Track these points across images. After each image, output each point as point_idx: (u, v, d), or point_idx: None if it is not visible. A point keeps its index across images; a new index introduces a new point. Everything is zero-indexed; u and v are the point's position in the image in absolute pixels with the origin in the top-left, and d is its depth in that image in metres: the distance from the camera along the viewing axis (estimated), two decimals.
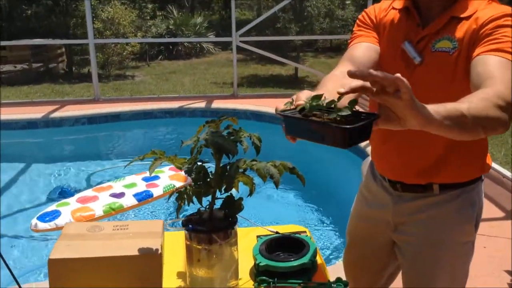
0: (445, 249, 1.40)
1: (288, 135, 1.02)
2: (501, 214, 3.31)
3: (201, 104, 6.27)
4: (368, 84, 0.85)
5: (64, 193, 4.50)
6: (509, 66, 1.16)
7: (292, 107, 1.02)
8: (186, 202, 1.34)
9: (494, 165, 4.08)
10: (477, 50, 1.21)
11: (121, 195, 4.20)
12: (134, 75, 10.81)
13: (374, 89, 0.86)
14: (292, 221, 3.91)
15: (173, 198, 1.41)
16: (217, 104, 6.29)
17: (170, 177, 4.62)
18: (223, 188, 1.28)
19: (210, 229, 1.27)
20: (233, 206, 1.31)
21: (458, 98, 1.25)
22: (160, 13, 13.71)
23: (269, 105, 6.04)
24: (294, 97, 1.04)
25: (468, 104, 1.00)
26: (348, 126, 0.88)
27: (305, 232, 1.67)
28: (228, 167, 1.26)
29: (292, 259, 1.37)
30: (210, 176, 1.29)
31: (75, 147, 5.90)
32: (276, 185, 1.21)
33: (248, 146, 1.27)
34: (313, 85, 9.36)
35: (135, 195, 4.18)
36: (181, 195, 1.33)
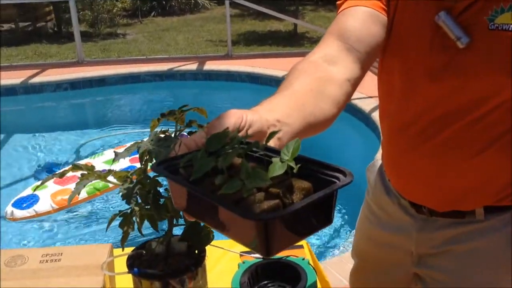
0: None
1: (176, 207, 0.60)
2: None
3: (193, 66, 5.83)
4: None
5: (53, 171, 4.08)
6: None
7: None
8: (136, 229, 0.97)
9: None
10: None
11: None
12: (126, 33, 10.26)
13: None
14: None
15: None
16: (209, 65, 5.84)
17: None
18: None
19: (166, 273, 0.90)
20: (199, 236, 0.93)
21: None
22: None
23: (265, 66, 5.59)
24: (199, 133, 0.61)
25: None
26: (270, 216, 0.45)
27: (302, 246, 1.30)
28: None
29: None
30: (163, 194, 0.91)
31: (58, 115, 5.50)
32: None
33: None
34: (312, 41, 8.82)
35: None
36: (126, 219, 0.95)
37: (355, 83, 0.83)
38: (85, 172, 0.88)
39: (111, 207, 3.60)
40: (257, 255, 1.18)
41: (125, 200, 0.89)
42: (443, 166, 0.94)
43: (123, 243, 0.97)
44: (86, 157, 4.29)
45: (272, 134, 0.55)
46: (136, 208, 0.95)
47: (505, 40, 0.81)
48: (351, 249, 1.32)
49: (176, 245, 0.95)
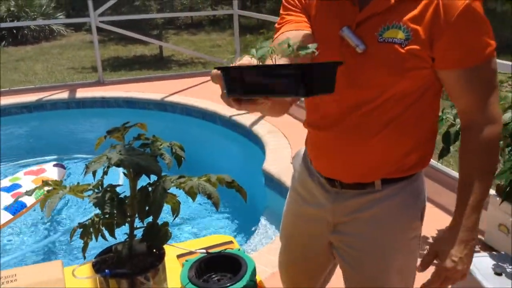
0: (391, 250, 1.27)
1: (230, 95, 0.80)
2: None
3: (64, 95, 5.63)
4: None
5: None
6: (480, 74, 1.08)
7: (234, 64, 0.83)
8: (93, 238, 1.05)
9: None
10: (445, 56, 1.07)
11: None
12: None
13: None
14: (209, 227, 3.54)
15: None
16: (82, 93, 5.69)
17: (33, 182, 4.04)
18: (144, 216, 1.01)
19: (134, 271, 1.00)
20: (158, 236, 1.05)
21: (403, 95, 1.11)
22: None
23: (140, 90, 5.62)
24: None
25: (479, 182, 1.12)
26: (302, 64, 0.72)
27: (231, 242, 1.47)
28: (150, 189, 0.99)
29: (232, 283, 1.16)
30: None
31: None
32: (217, 206, 0.98)
33: (172, 161, 1.01)
34: (180, 64, 9.02)
35: (6, 209, 3.59)
36: (85, 230, 1.03)
37: None
38: (51, 188, 0.95)
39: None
40: (201, 251, 1.31)
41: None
42: (348, 146, 1.19)
43: (84, 252, 1.05)
44: None
45: (304, 48, 0.82)
46: (96, 218, 1.04)
47: (389, 49, 1.08)
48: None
49: (137, 246, 1.05)
